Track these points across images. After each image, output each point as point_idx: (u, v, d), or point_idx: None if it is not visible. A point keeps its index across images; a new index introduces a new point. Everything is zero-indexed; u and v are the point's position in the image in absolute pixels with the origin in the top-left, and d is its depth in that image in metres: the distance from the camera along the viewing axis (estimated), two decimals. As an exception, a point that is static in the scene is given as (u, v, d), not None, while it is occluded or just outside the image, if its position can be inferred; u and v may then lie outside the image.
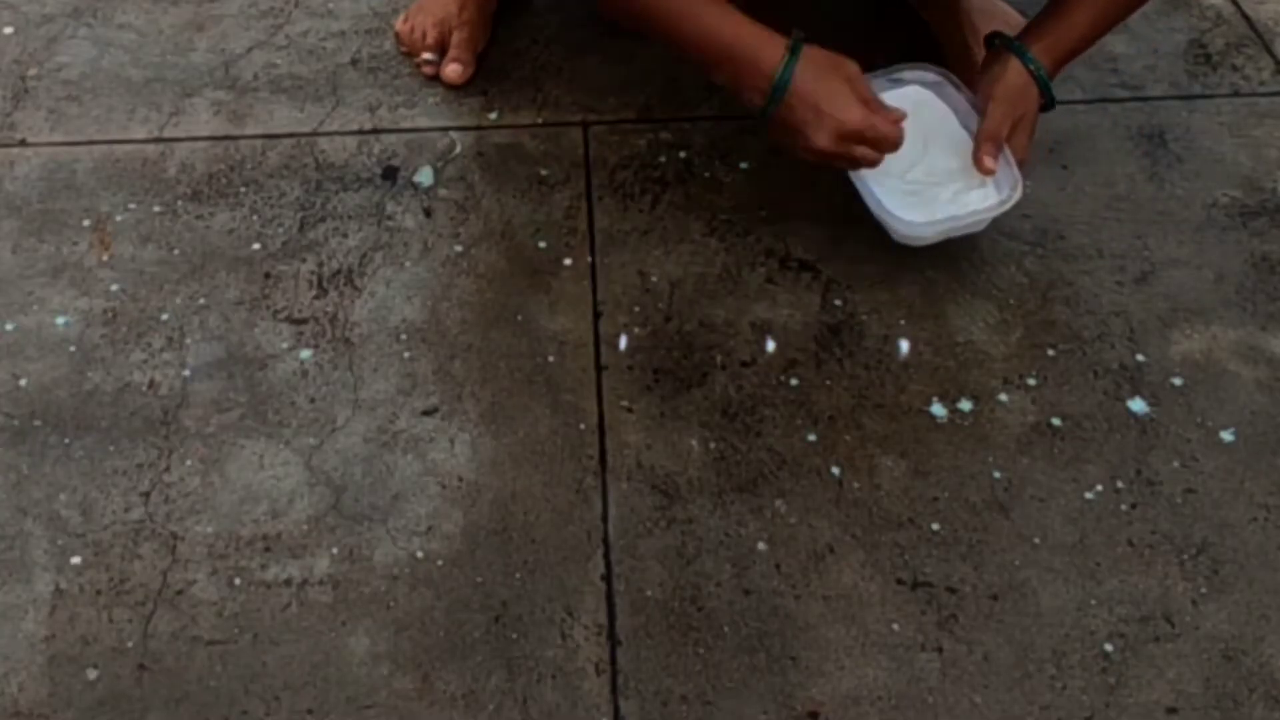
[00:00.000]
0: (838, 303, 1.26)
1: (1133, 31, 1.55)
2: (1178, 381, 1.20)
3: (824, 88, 1.19)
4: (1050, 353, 1.22)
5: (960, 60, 1.39)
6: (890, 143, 1.20)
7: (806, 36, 1.20)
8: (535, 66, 1.51)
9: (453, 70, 1.47)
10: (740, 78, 1.20)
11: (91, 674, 1.01)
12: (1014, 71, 1.24)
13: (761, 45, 1.19)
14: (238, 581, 1.06)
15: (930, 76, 1.30)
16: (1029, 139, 1.27)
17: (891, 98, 1.27)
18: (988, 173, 1.24)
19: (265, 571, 1.07)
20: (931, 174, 1.26)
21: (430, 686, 1.01)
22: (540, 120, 1.44)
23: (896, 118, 1.21)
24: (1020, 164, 1.25)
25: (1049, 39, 1.25)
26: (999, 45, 1.27)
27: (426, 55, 1.49)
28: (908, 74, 1.31)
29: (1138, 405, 1.18)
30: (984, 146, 1.24)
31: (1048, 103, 1.27)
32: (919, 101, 1.28)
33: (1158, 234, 1.32)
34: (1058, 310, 1.25)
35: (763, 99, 1.19)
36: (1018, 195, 1.23)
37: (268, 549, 1.09)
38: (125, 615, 1.05)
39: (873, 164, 1.21)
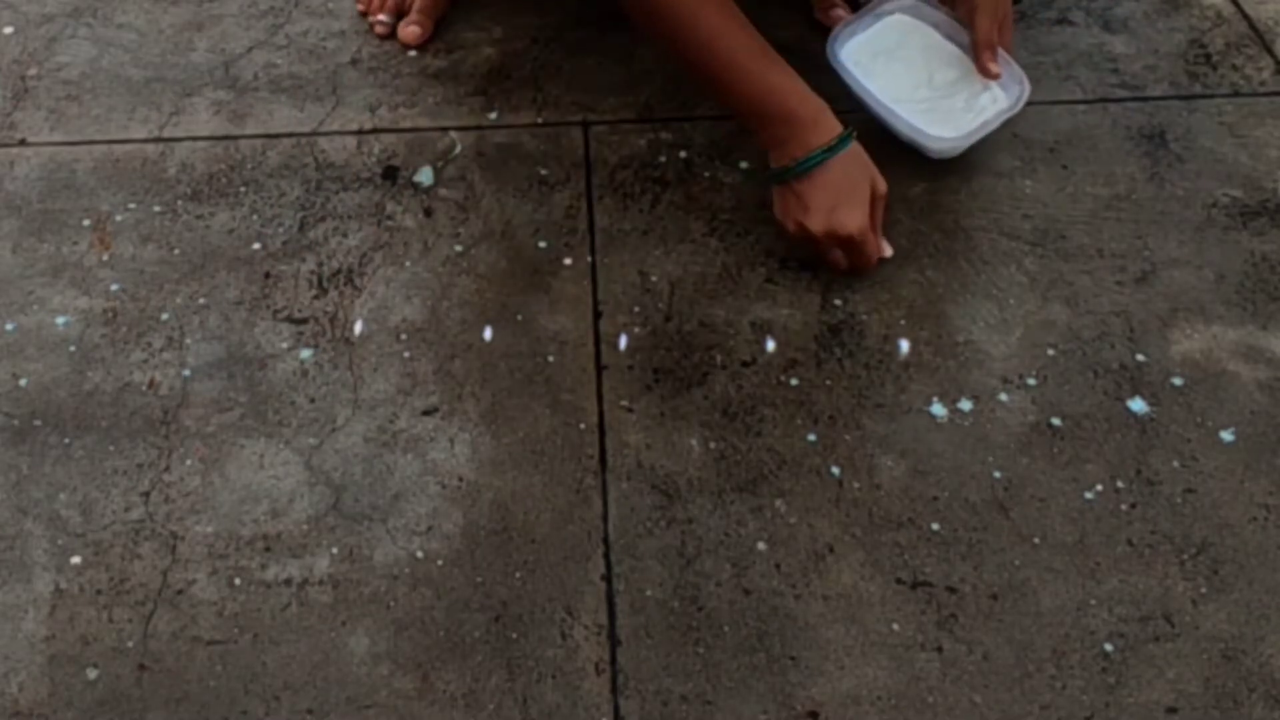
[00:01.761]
0: (838, 303, 1.26)
1: (1133, 31, 1.55)
2: (1178, 381, 1.20)
3: (849, 184, 1.23)
4: (1050, 353, 1.22)
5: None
6: (866, 265, 1.26)
7: (854, 130, 1.25)
8: (535, 66, 1.51)
9: (410, 32, 1.54)
10: (780, 137, 1.24)
11: (91, 674, 1.01)
12: None
13: (819, 117, 1.24)
14: (238, 581, 1.06)
15: (906, 2, 1.40)
16: (1012, 35, 1.38)
17: (878, 30, 1.39)
18: (994, 78, 1.34)
19: (265, 571, 1.07)
20: (936, 89, 1.35)
21: (430, 686, 1.01)
22: (540, 120, 1.45)
23: (882, 252, 1.27)
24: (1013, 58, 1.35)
25: None
26: None
27: (381, 17, 1.55)
28: (887, 5, 1.40)
29: (1138, 405, 1.18)
30: (984, 55, 1.34)
31: None
32: (906, 27, 1.39)
33: (1158, 234, 1.32)
34: (1058, 310, 1.25)
35: (790, 163, 1.23)
36: (1028, 88, 1.34)
37: (268, 549, 1.09)
38: (125, 615, 1.05)
39: (839, 269, 1.26)
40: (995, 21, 1.34)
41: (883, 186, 1.25)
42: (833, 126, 1.23)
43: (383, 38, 1.55)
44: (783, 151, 1.24)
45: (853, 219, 1.22)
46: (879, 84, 1.35)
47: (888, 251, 1.27)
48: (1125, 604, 1.05)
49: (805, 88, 1.24)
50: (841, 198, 1.23)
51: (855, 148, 1.24)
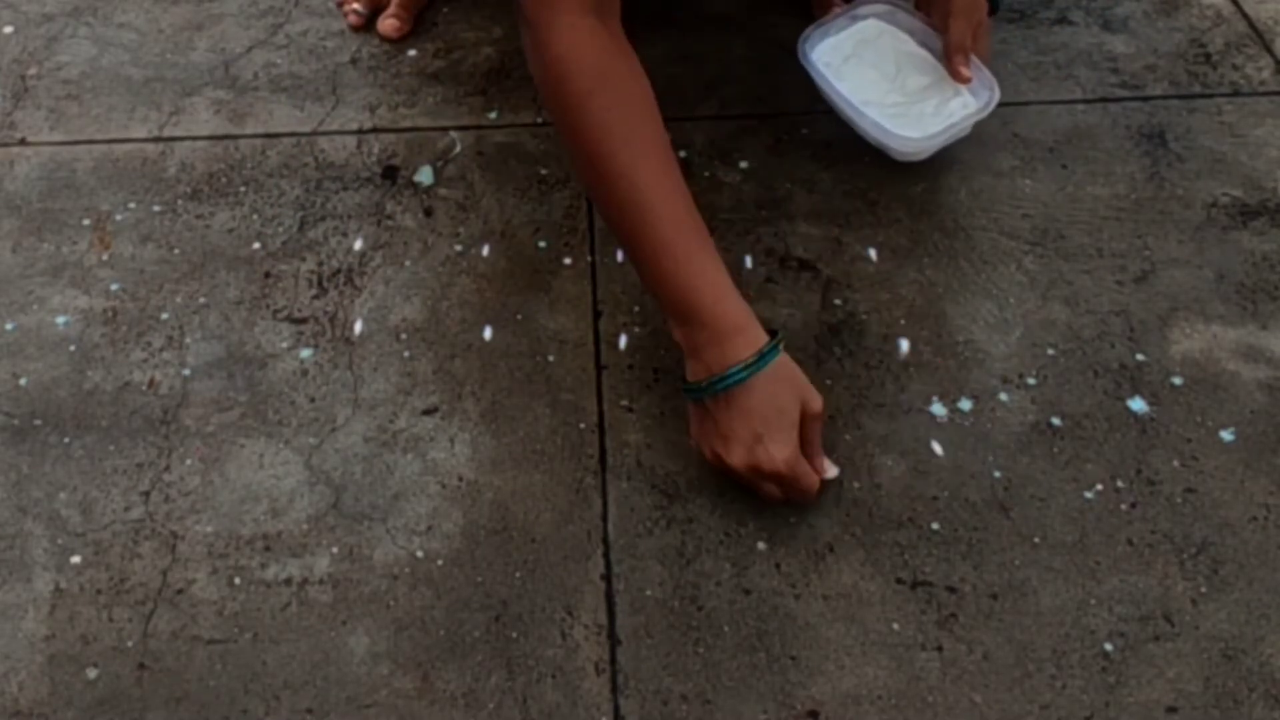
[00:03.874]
0: (838, 302, 1.26)
1: (1133, 31, 1.55)
2: (1178, 381, 1.20)
3: (774, 411, 1.05)
4: (1050, 352, 1.22)
5: None
6: (804, 497, 1.07)
7: (780, 340, 1.08)
8: (535, 66, 1.51)
9: (389, 25, 1.54)
10: (697, 343, 1.06)
11: (91, 673, 1.01)
12: None
13: (743, 324, 1.06)
14: (238, 581, 1.06)
15: (881, 8, 1.41)
16: (988, 43, 1.37)
17: (852, 33, 1.39)
18: (965, 81, 1.34)
19: (265, 571, 1.07)
20: (907, 94, 1.35)
21: (430, 686, 1.01)
22: (540, 119, 1.44)
23: (817, 477, 1.08)
24: (986, 65, 1.35)
25: None
26: None
27: (355, 6, 1.55)
28: (862, 9, 1.41)
29: (1138, 405, 1.18)
30: (955, 58, 1.34)
31: (994, 8, 1.38)
32: (879, 32, 1.40)
33: (1158, 234, 1.32)
34: (1058, 310, 1.25)
35: (704, 379, 1.06)
36: (998, 94, 1.33)
37: (268, 548, 1.09)
38: (125, 614, 1.05)
39: (774, 500, 1.08)
40: (970, 26, 1.33)
41: (817, 404, 1.06)
42: (757, 337, 1.05)
43: (355, 29, 1.55)
44: (698, 361, 1.06)
45: (779, 452, 1.04)
46: (848, 85, 1.35)
47: (830, 473, 1.09)
48: (1125, 604, 1.05)
49: (730, 284, 1.07)
50: (766, 426, 1.04)
51: (782, 361, 1.06)
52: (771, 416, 1.04)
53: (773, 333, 1.07)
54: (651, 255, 1.07)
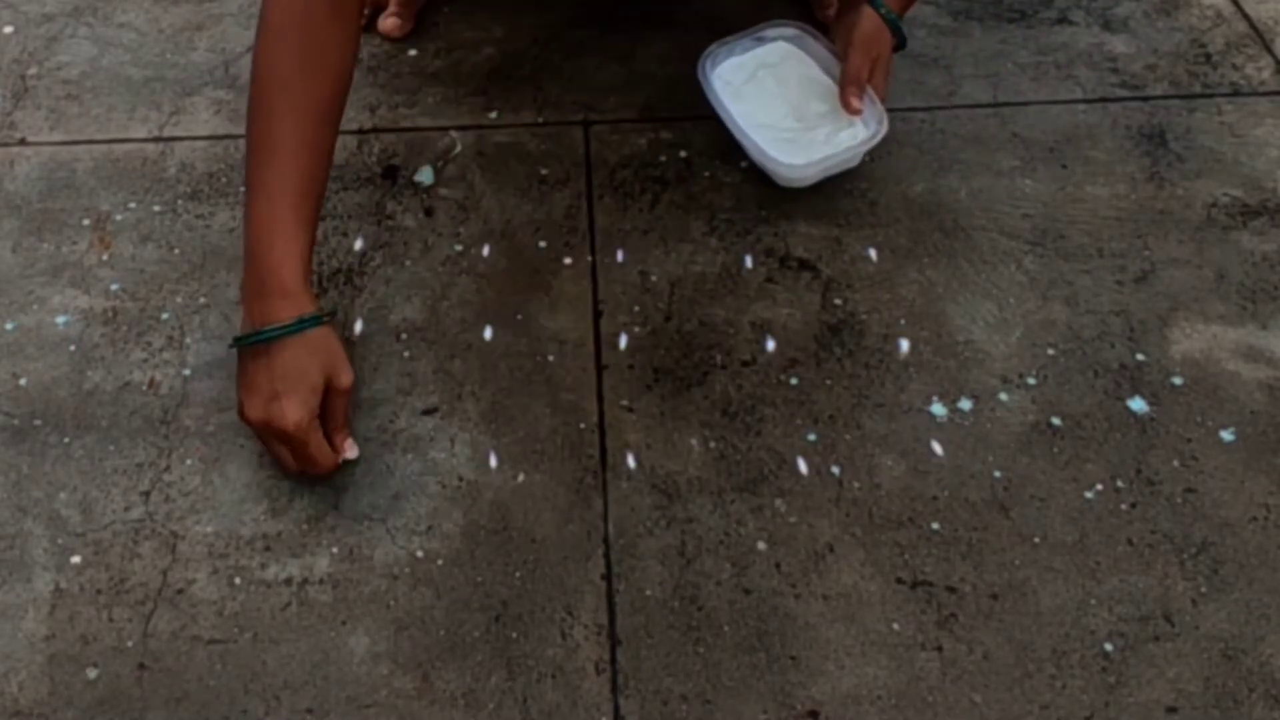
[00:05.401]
0: (838, 302, 1.26)
1: (1133, 31, 1.55)
2: (1178, 381, 1.20)
3: (297, 373, 1.08)
4: (1050, 352, 1.22)
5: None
6: (313, 468, 1.10)
7: (331, 317, 1.13)
8: (535, 66, 1.51)
9: (389, 24, 1.54)
10: (249, 293, 1.11)
11: (91, 673, 1.01)
12: (867, 18, 1.32)
13: (286, 294, 1.09)
14: (238, 581, 1.06)
15: (790, 31, 1.41)
16: (886, 78, 1.35)
17: (758, 54, 1.39)
18: (855, 113, 1.33)
19: (265, 571, 1.07)
20: (803, 120, 1.35)
21: (430, 686, 1.01)
22: (540, 120, 1.45)
23: (331, 452, 1.10)
24: (881, 100, 1.34)
25: None
26: None
27: None
28: (770, 31, 1.41)
29: (1138, 405, 1.18)
30: (849, 90, 1.33)
31: (900, 43, 1.35)
32: (784, 55, 1.40)
33: (1158, 234, 1.32)
34: (1058, 310, 1.25)
35: (246, 332, 1.10)
36: (884, 129, 1.31)
37: (268, 548, 1.09)
38: (125, 614, 1.05)
39: (289, 469, 1.11)
40: (868, 60, 1.32)
41: (345, 380, 1.10)
42: (304, 305, 1.09)
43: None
44: (247, 311, 1.11)
45: (293, 413, 1.06)
46: (746, 108, 1.34)
47: (350, 453, 1.12)
48: (1125, 604, 1.05)
49: (303, 257, 1.11)
50: (285, 386, 1.07)
51: (323, 333, 1.10)
52: (293, 378, 1.08)
53: (330, 313, 1.14)
54: (252, 197, 1.12)
